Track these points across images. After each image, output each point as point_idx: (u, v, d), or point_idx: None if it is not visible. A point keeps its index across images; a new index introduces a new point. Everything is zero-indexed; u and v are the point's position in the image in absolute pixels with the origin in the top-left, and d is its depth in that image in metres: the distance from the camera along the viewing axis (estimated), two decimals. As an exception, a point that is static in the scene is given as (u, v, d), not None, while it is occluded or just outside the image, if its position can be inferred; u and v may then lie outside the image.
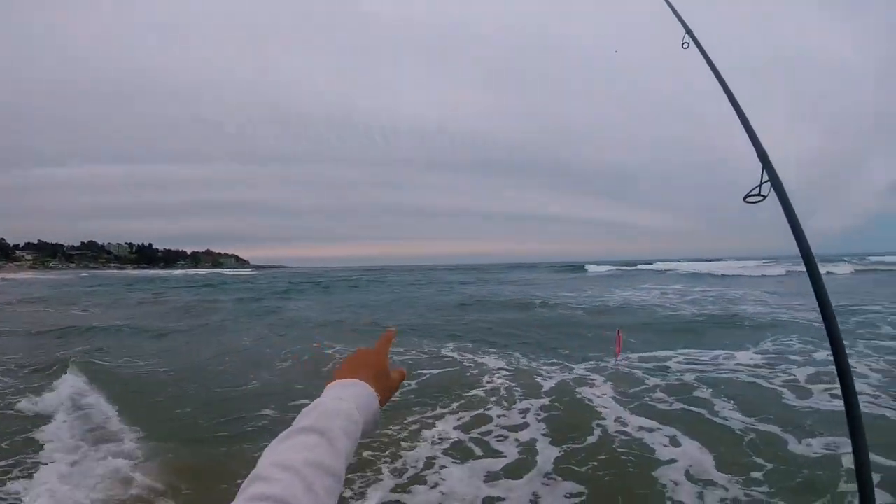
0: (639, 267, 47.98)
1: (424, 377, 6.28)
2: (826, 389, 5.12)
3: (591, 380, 6.01)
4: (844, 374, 1.04)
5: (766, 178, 1.34)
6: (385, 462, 3.79)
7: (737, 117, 1.48)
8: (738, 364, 6.62)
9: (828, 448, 3.72)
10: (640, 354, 7.23)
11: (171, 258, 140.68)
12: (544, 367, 6.74)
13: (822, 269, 1.30)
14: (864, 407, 4.11)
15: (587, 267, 52.44)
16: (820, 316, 1.12)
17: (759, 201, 1.35)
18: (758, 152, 1.39)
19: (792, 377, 5.77)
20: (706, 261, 55.94)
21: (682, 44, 1.75)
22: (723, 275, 32.12)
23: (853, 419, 1.02)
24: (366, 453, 3.80)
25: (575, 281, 31.08)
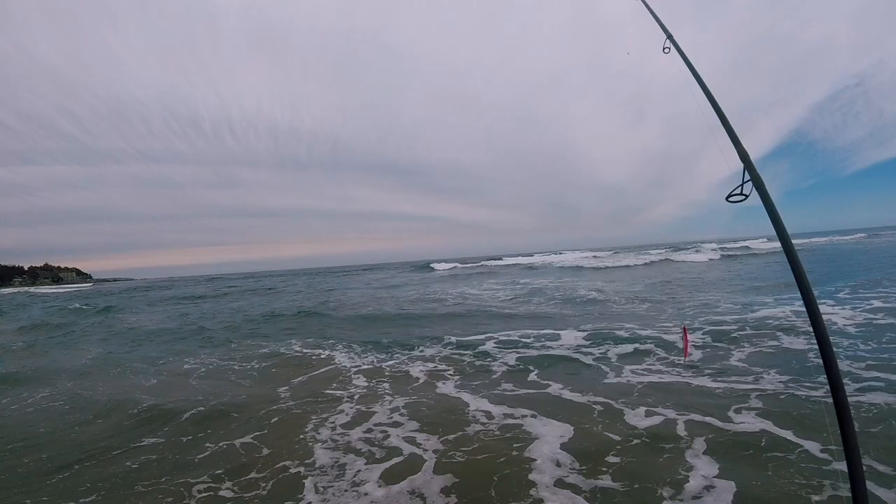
0: (483, 264, 52.94)
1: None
2: (633, 364, 6.41)
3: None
4: (831, 367, 1.22)
5: (747, 177, 1.51)
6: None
7: (717, 118, 1.65)
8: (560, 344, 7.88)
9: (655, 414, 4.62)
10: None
11: (6, 275, 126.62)
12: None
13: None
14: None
15: (433, 265, 55.20)
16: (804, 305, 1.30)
17: (741, 200, 1.51)
18: (739, 153, 1.56)
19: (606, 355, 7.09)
20: (555, 254, 63.93)
21: (664, 49, 1.88)
22: (565, 267, 37.00)
23: (840, 409, 1.19)
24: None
25: (426, 280, 32.56)
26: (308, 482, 3.49)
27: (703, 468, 3.37)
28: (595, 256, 47.33)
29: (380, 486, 3.38)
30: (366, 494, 3.27)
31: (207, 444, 4.35)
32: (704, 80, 1.71)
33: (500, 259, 58.87)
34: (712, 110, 1.69)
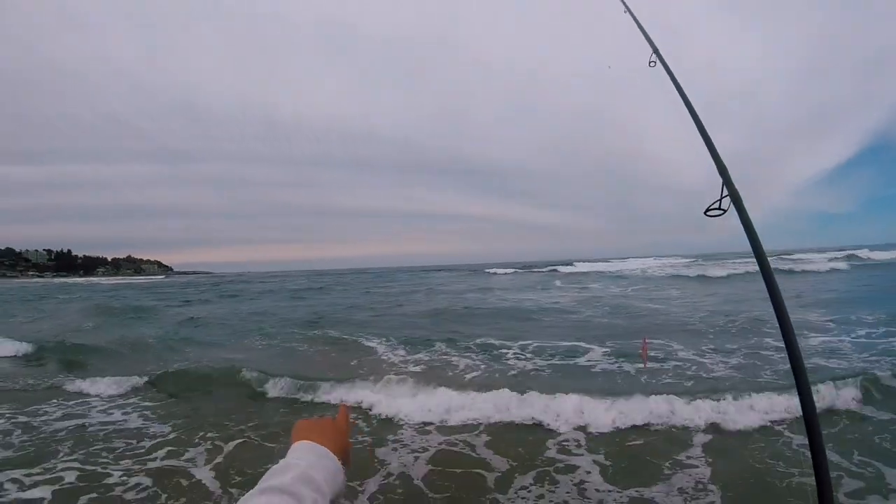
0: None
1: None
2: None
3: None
4: (799, 373, 1.10)
5: (725, 192, 1.42)
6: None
7: (699, 133, 1.57)
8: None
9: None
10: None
11: (90, 265, 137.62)
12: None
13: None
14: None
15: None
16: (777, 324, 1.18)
17: (719, 215, 1.42)
18: (718, 167, 1.46)
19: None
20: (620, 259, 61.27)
21: (650, 62, 1.84)
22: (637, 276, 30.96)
23: (806, 412, 1.08)
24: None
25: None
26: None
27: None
28: (687, 264, 40.81)
29: None
30: None
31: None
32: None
33: (572, 264, 52.69)
34: (708, 124, 1.62)
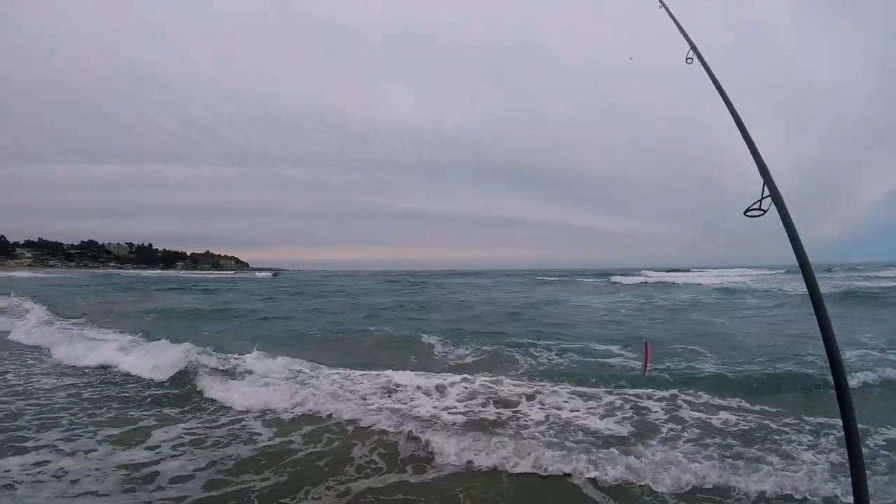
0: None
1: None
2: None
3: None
4: (839, 381, 1.12)
5: (766, 192, 1.42)
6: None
7: (739, 133, 1.56)
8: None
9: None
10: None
11: (169, 259, 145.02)
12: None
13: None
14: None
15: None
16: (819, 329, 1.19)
17: (759, 216, 1.43)
18: (759, 167, 1.47)
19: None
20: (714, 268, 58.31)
21: (686, 59, 1.82)
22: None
23: (846, 419, 1.10)
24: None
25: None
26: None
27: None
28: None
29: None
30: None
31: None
32: (727, 91, 1.63)
33: (639, 273, 48.64)
34: (742, 123, 1.61)
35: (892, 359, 7.00)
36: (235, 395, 5.67)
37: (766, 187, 1.42)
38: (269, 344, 8.64)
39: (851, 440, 1.08)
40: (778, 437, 4.37)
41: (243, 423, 4.97)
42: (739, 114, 1.59)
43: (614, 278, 40.63)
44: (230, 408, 5.39)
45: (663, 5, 2.06)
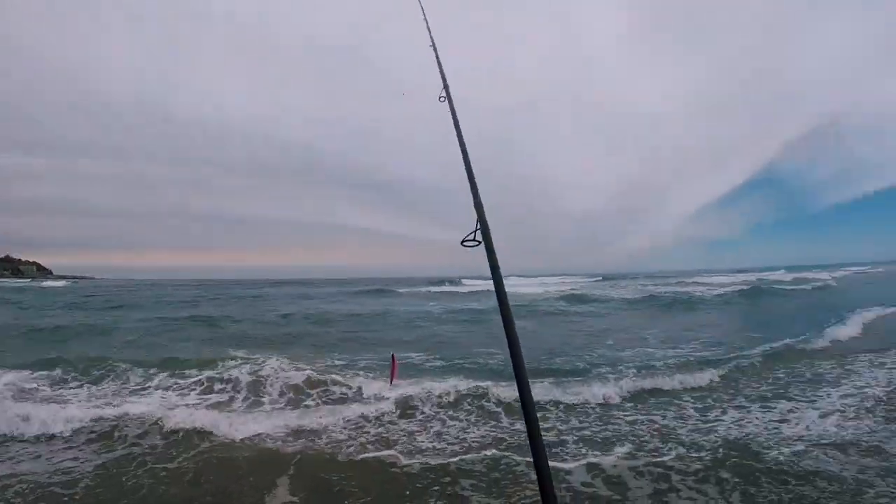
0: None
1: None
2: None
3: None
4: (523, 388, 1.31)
5: (478, 226, 1.63)
6: None
7: (464, 170, 1.76)
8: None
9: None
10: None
11: None
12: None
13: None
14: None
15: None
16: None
17: (475, 246, 1.62)
18: (475, 202, 1.68)
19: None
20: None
21: (440, 97, 1.99)
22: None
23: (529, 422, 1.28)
24: None
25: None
26: None
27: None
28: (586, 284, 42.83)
29: None
30: None
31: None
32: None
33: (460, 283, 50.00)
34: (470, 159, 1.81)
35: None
36: None
37: (478, 222, 1.62)
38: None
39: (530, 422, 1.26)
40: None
41: None
42: (469, 154, 1.79)
43: (430, 288, 42.09)
44: None
45: (432, 45, 2.23)
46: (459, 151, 1.85)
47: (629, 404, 6.31)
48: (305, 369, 7.62)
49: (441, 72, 2.06)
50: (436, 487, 4.06)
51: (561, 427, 5.45)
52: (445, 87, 1.99)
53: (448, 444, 5.07)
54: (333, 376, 7.43)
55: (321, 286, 53.09)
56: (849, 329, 11.51)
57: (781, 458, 4.30)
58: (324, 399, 6.73)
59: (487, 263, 1.58)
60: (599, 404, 6.30)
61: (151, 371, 7.79)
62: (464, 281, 53.98)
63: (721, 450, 4.51)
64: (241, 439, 5.11)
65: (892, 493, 3.63)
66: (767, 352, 9.17)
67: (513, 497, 3.87)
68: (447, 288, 41.55)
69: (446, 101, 1.98)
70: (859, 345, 9.87)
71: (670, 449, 4.66)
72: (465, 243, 1.62)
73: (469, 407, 6.17)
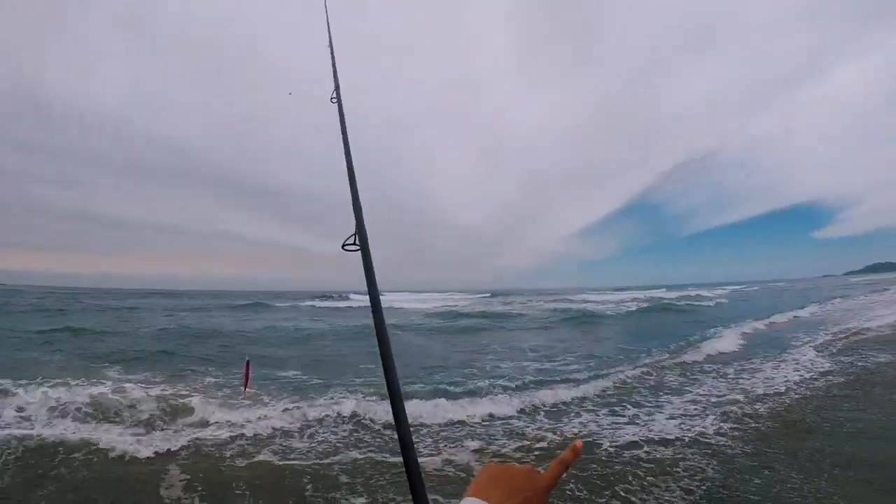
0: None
1: None
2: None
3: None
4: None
5: (357, 230, 1.60)
6: None
7: (346, 175, 1.72)
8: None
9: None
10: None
11: None
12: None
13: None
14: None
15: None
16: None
17: (356, 250, 1.58)
18: (354, 207, 1.65)
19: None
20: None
21: (331, 98, 1.93)
22: None
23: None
24: None
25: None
26: None
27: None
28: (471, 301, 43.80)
29: None
30: None
31: None
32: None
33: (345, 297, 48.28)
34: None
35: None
36: None
37: (357, 226, 1.59)
38: None
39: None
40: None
41: None
42: (351, 154, 1.76)
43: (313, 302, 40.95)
44: None
45: (330, 45, 2.17)
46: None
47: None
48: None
49: (334, 70, 2.01)
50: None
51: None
52: (337, 86, 1.94)
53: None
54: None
55: (197, 298, 47.49)
56: (724, 341, 12.53)
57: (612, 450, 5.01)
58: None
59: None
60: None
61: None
62: (351, 296, 52.31)
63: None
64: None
65: (715, 476, 4.38)
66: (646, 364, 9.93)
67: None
68: (332, 303, 40.03)
69: (337, 103, 1.93)
70: (728, 357, 10.77)
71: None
72: (345, 247, 1.57)
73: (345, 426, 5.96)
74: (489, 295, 61.22)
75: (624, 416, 6.47)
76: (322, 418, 6.16)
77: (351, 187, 1.65)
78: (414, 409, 6.25)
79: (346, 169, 1.79)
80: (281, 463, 4.86)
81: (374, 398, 6.99)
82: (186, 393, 7.27)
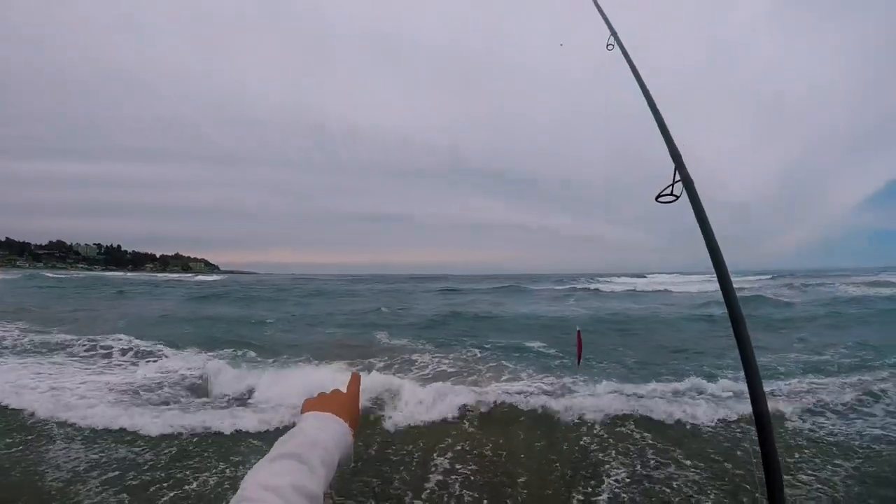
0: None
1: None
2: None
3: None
4: (752, 376, 1.06)
5: (678, 177, 1.36)
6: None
7: (654, 119, 1.50)
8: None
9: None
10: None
11: (139, 261, 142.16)
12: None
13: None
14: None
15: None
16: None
17: (671, 201, 1.36)
18: (670, 152, 1.41)
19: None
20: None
21: (607, 45, 1.77)
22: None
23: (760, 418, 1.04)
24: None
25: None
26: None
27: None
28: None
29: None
30: None
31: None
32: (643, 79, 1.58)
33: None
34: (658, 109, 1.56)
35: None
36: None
37: (676, 171, 1.36)
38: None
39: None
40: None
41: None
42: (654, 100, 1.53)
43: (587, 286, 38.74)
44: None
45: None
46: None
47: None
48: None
49: (605, 19, 1.83)
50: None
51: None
52: (613, 33, 1.76)
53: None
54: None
55: (463, 282, 54.42)
56: None
57: None
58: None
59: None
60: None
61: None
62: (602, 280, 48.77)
63: None
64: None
65: None
66: None
67: None
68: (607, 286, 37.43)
69: (615, 48, 1.74)
70: None
71: None
72: (660, 199, 1.38)
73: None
74: (770, 277, 46.24)
75: None
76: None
77: (661, 131, 1.43)
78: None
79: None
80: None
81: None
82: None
